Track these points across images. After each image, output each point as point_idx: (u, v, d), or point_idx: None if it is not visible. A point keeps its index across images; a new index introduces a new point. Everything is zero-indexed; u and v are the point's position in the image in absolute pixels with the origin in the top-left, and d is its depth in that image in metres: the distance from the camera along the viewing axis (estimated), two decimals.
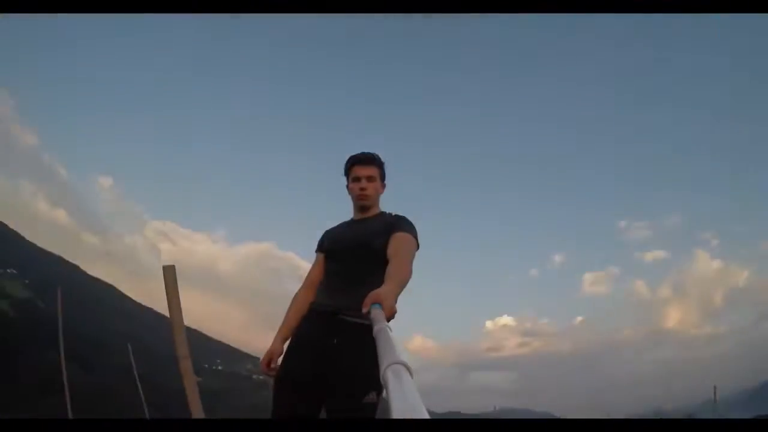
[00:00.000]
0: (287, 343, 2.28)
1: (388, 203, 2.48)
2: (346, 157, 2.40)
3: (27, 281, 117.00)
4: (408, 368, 0.76)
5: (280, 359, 2.26)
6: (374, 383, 1.92)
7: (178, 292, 2.41)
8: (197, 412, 3.28)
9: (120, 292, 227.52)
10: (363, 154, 2.36)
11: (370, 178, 2.32)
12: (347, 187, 2.39)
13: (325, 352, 2.08)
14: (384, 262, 1.92)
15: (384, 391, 0.81)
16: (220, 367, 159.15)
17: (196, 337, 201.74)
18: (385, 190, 2.45)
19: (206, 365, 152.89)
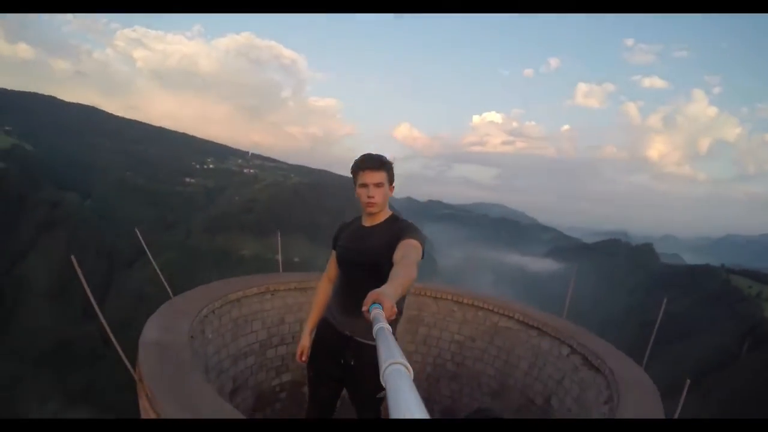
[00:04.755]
0: (313, 335, 2.60)
1: None
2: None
3: (7, 128, 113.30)
4: (408, 368, 0.76)
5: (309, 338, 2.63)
6: None
7: None
8: None
9: (102, 111, 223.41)
10: (371, 159, 2.30)
11: (378, 185, 2.29)
12: (355, 190, 2.35)
13: (343, 367, 2.36)
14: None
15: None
16: (210, 166, 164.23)
17: (184, 140, 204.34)
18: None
19: (197, 166, 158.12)
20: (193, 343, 3.13)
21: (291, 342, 5.53)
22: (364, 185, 2.29)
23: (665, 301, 4.12)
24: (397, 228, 2.28)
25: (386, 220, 2.38)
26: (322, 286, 2.69)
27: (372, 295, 1.36)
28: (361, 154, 2.35)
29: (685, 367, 54.69)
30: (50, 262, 72.38)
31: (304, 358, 2.60)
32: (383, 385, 0.76)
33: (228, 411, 2.04)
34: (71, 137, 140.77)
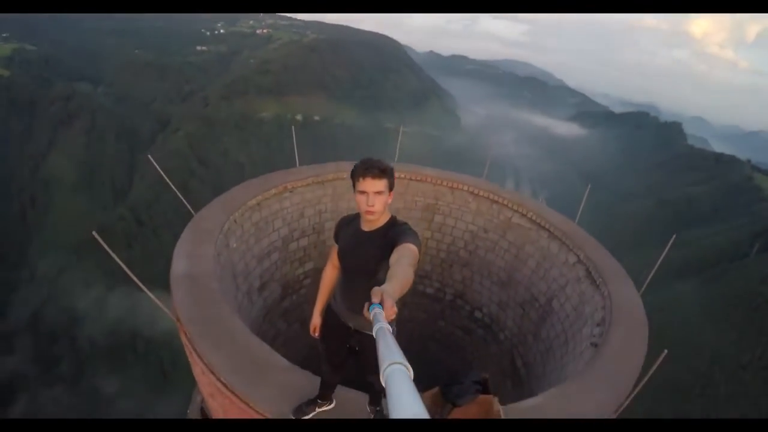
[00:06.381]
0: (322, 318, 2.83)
1: None
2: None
3: (5, 35, 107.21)
4: (408, 368, 0.78)
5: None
6: None
7: None
8: None
9: None
10: (372, 167, 2.23)
11: (378, 193, 2.24)
12: (354, 194, 2.32)
13: (349, 349, 2.66)
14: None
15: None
16: (221, 31, 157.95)
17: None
18: None
19: (208, 33, 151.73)
20: (219, 259, 3.36)
21: (311, 233, 5.83)
22: (364, 193, 2.25)
23: (674, 236, 4.12)
24: (393, 234, 2.28)
25: (384, 225, 2.38)
26: (328, 273, 2.81)
27: (376, 291, 1.42)
28: (362, 158, 2.31)
29: (695, 252, 55.83)
30: (73, 156, 73.99)
31: (317, 335, 2.86)
32: (383, 385, 0.77)
33: (256, 345, 2.30)
34: (72, 28, 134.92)
